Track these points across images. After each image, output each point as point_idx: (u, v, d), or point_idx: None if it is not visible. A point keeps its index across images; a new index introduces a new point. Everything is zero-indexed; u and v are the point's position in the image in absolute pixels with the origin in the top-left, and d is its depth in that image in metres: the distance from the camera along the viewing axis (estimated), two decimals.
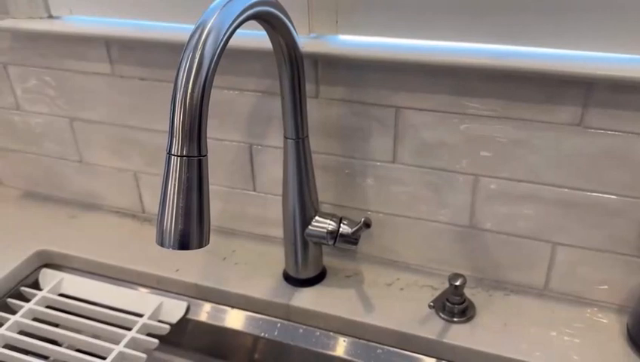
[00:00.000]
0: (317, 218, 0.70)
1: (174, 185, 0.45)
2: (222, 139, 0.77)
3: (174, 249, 0.47)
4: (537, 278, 0.70)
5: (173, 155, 0.45)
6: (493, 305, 0.70)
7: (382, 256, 0.77)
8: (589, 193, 0.63)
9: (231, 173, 0.79)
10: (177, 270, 0.77)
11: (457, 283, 0.66)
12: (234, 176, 0.79)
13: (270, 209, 0.80)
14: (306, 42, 0.64)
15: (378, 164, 0.70)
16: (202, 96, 0.44)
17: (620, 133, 0.59)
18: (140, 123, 0.80)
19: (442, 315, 0.68)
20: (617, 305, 0.68)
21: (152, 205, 0.87)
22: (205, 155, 0.46)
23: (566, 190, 0.64)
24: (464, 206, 0.69)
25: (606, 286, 0.68)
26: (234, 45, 0.65)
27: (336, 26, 0.64)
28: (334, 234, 0.69)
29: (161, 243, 0.47)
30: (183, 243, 0.46)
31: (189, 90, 0.44)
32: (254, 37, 0.66)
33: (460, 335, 0.66)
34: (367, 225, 0.64)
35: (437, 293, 0.72)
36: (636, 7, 0.54)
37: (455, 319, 0.68)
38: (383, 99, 0.66)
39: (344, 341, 0.70)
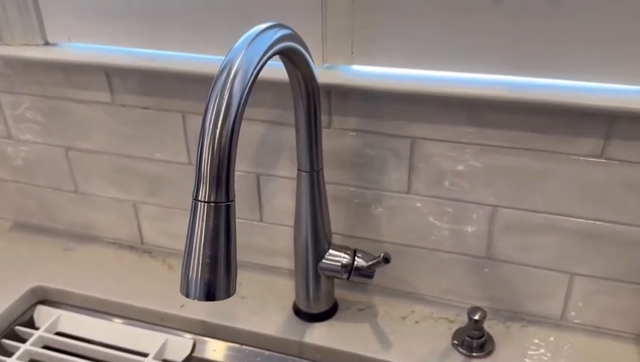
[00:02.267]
0: (330, 251, 0.68)
1: (201, 232, 0.43)
2: None
3: (200, 300, 0.44)
4: (555, 309, 0.69)
5: (200, 201, 0.43)
6: (511, 337, 0.68)
7: (395, 288, 0.75)
8: (608, 223, 0.62)
9: (237, 203, 0.76)
10: (182, 306, 0.74)
11: (477, 317, 0.65)
12: (240, 206, 0.76)
13: (278, 240, 0.77)
14: (320, 72, 0.63)
15: (392, 194, 0.69)
16: (231, 140, 0.42)
17: None
18: (140, 152, 0.77)
19: (461, 350, 0.67)
20: (635, 335, 0.67)
21: (152, 236, 0.84)
22: (233, 200, 0.43)
23: (585, 221, 0.63)
24: (481, 236, 0.68)
25: (624, 316, 0.67)
26: None
27: (351, 56, 0.63)
28: (349, 268, 0.67)
29: (187, 294, 0.44)
30: (210, 294, 0.44)
31: (217, 134, 0.42)
32: (267, 67, 0.63)
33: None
34: (386, 260, 0.62)
35: (453, 326, 0.70)
36: None
37: (474, 354, 0.66)
38: (399, 129, 0.64)
39: None
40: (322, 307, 0.71)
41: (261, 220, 0.77)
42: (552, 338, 0.68)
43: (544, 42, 0.56)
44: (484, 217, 0.66)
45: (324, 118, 0.66)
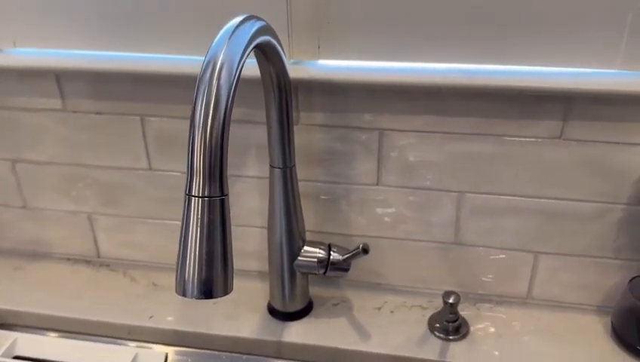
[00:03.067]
0: (305, 248, 0.68)
1: (196, 229, 0.42)
2: None
3: (197, 298, 0.43)
4: (521, 287, 0.72)
5: (194, 196, 0.42)
6: (483, 318, 0.71)
7: (367, 281, 0.76)
8: (568, 201, 0.66)
9: None
10: (151, 316, 0.72)
11: (451, 301, 0.67)
12: None
13: (247, 242, 0.76)
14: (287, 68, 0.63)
15: (361, 187, 0.69)
16: (222, 132, 0.41)
17: (597, 143, 0.62)
18: (95, 160, 0.74)
19: (438, 334, 0.68)
20: (596, 306, 0.71)
21: (110, 248, 0.81)
22: (227, 194, 0.42)
23: (547, 200, 0.66)
24: (449, 223, 0.69)
25: (585, 290, 0.71)
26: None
27: (318, 51, 0.63)
28: (325, 263, 0.67)
29: (183, 293, 0.43)
30: (207, 292, 0.43)
31: (209, 127, 0.41)
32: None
33: (458, 352, 0.66)
34: (365, 250, 0.63)
35: (427, 312, 0.72)
36: (608, 22, 0.57)
37: (450, 337, 0.68)
38: (366, 122, 0.65)
39: None
40: (298, 305, 0.71)
41: None
42: (519, 316, 0.71)
43: (501, 30, 0.59)
44: (451, 203, 0.68)
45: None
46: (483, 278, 0.72)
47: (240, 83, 0.64)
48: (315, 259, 0.67)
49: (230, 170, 0.71)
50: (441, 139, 0.65)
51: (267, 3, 0.61)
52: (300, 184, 0.70)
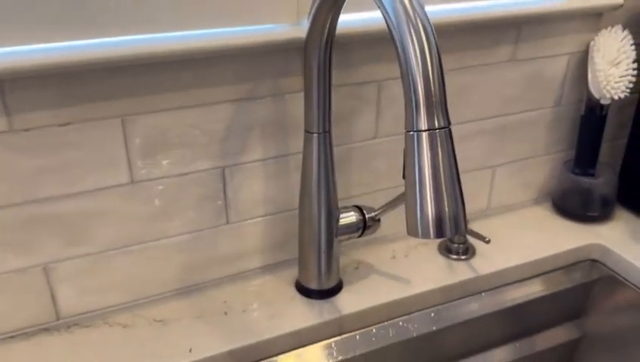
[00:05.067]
0: (341, 214, 0.65)
1: (432, 164, 0.40)
2: (185, 173, 0.62)
3: (445, 236, 0.41)
4: (480, 203, 0.83)
5: (426, 131, 0.39)
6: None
7: (367, 239, 0.76)
8: (518, 114, 0.78)
9: (198, 213, 0.65)
10: (190, 350, 0.60)
11: None
12: (201, 215, 0.65)
13: (247, 237, 0.69)
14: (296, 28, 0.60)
15: (361, 143, 0.70)
16: (440, 61, 0.40)
17: (536, 59, 0.76)
18: (56, 190, 0.57)
19: (456, 258, 0.74)
20: (536, 197, 0.86)
21: (75, 302, 0.63)
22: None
23: (504, 117, 0.78)
24: None
25: (528, 187, 0.85)
26: (195, 49, 0.55)
27: None
28: (362, 225, 0.66)
29: (424, 235, 0.40)
30: (457, 227, 0.41)
31: (428, 57, 0.39)
32: (219, 36, 0.57)
33: (484, 264, 0.73)
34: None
35: (432, 247, 0.77)
36: None
37: (463, 257, 0.75)
38: (367, 75, 0.66)
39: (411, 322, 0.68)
40: (334, 279, 0.68)
41: (227, 222, 0.67)
42: (486, 226, 0.81)
43: None
44: None
45: (297, 81, 0.63)
46: None
47: (236, 56, 0.59)
48: (354, 222, 0.66)
49: (229, 160, 0.64)
50: None
51: None
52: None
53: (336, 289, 0.68)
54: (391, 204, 0.66)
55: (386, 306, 0.67)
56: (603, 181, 0.81)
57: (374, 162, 0.72)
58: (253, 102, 0.62)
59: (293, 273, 0.70)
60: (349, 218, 0.66)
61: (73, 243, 0.60)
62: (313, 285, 0.67)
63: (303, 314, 0.65)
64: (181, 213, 0.64)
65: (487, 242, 0.69)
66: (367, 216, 0.67)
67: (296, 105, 0.64)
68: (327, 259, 0.66)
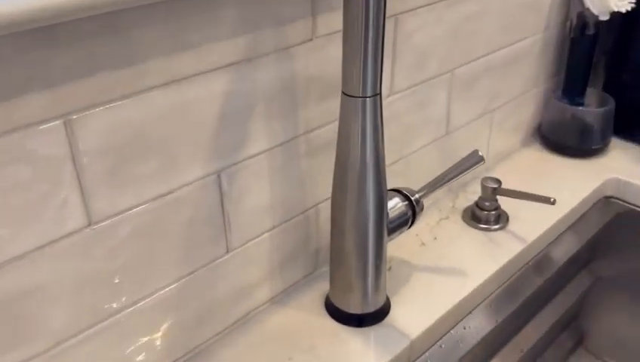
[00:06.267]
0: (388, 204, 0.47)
1: None
2: (163, 194, 0.39)
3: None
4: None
5: None
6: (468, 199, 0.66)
7: None
8: (516, 44, 0.66)
9: (186, 250, 0.42)
10: None
11: (495, 186, 0.60)
12: (192, 250, 0.42)
13: (252, 261, 0.48)
14: None
15: None
16: None
17: None
18: None
19: (485, 226, 0.61)
20: (525, 135, 0.75)
21: None
22: None
23: (507, 49, 0.64)
24: (441, 118, 0.60)
25: (521, 127, 0.74)
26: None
27: None
28: (412, 212, 0.49)
29: None
30: None
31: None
32: None
33: (526, 229, 0.61)
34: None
35: (454, 218, 0.62)
36: None
37: (496, 226, 0.61)
38: None
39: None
40: (383, 294, 0.50)
41: (227, 251, 0.45)
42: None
43: None
44: (445, 89, 0.59)
45: (304, 25, 0.43)
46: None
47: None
48: (404, 211, 0.48)
49: (225, 161, 0.42)
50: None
51: None
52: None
53: (387, 308, 0.50)
54: (432, 185, 0.50)
55: (451, 313, 0.51)
56: (606, 109, 0.72)
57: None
58: (253, 65, 0.41)
59: (317, 293, 0.51)
60: (397, 207, 0.48)
61: (9, 346, 0.35)
62: (360, 308, 0.49)
63: (364, 352, 0.47)
64: (162, 257, 0.41)
65: (553, 203, 0.56)
66: (412, 198, 0.49)
67: (307, 60, 0.44)
68: (377, 269, 0.48)
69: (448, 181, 0.51)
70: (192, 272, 0.43)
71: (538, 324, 0.67)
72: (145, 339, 0.42)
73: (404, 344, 0.47)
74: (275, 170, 0.46)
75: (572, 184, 0.68)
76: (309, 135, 0.47)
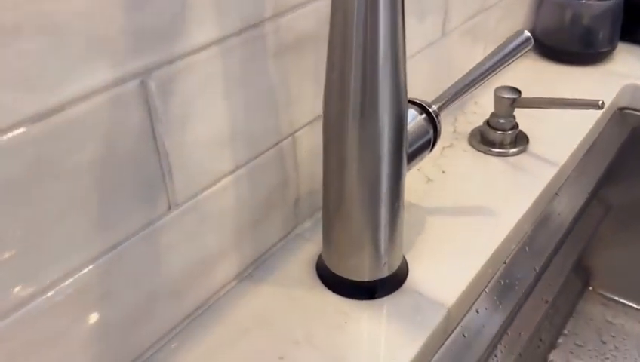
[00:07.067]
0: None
1: None
2: (52, 111, 0.22)
3: None
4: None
5: None
6: (471, 120, 0.52)
7: None
8: None
9: (106, 205, 0.26)
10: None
11: (514, 96, 0.46)
12: (116, 206, 0.26)
13: (208, 222, 0.32)
14: None
15: None
16: None
17: None
18: None
19: (500, 150, 0.47)
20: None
21: None
22: None
23: None
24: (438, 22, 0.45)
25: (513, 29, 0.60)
26: None
27: None
28: (431, 128, 0.34)
29: None
30: None
31: None
32: None
33: (552, 152, 0.48)
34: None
35: (459, 144, 0.48)
36: None
37: (514, 150, 0.48)
38: None
39: None
40: (399, 252, 0.35)
41: (169, 208, 0.29)
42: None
43: None
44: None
45: None
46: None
47: None
48: (423, 126, 0.34)
49: (147, 55, 0.25)
50: None
51: None
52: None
53: (404, 270, 0.36)
54: (451, 95, 0.35)
55: (488, 266, 0.38)
56: (613, 2, 0.59)
57: None
58: None
59: (304, 258, 0.36)
60: (415, 123, 0.33)
61: None
62: (371, 273, 0.34)
63: (385, 333, 0.32)
64: (65, 223, 0.24)
65: (602, 106, 0.42)
66: (431, 110, 0.34)
67: None
68: (394, 216, 0.33)
69: (489, 73, 0.37)
70: (117, 244, 0.27)
71: (553, 270, 0.56)
72: (52, 354, 0.25)
73: (439, 315, 0.33)
74: (233, 76, 0.29)
75: (582, 95, 0.56)
76: (281, 19, 0.31)
